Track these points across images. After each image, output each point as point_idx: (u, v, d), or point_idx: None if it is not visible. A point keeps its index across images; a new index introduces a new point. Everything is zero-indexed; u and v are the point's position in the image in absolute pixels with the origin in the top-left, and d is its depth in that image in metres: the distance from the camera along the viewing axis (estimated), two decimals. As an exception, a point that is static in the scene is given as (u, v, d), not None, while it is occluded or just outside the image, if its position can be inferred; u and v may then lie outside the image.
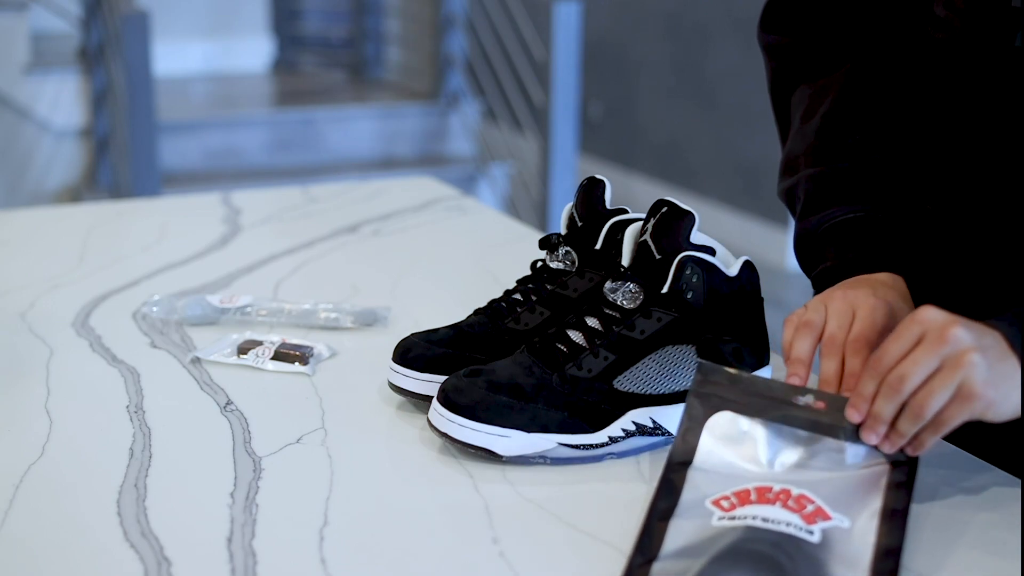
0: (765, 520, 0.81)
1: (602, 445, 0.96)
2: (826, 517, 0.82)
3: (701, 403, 0.90)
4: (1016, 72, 0.93)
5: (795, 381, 0.89)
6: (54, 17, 4.56)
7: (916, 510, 0.86)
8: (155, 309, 1.27)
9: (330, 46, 5.53)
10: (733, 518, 0.82)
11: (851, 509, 0.83)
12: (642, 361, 0.96)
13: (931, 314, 0.83)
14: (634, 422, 0.97)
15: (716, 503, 0.83)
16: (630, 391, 0.96)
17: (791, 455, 0.87)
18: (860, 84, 1.07)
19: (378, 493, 0.91)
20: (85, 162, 4.30)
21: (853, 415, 0.85)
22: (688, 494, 0.85)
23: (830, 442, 0.86)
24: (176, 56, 5.01)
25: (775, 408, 0.88)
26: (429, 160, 4.56)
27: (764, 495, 0.83)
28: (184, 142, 4.22)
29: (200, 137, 4.28)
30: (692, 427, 0.89)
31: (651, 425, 0.97)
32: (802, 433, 0.87)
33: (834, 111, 1.07)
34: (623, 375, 0.96)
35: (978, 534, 0.85)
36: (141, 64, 3.46)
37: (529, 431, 0.94)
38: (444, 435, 0.95)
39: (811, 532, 0.80)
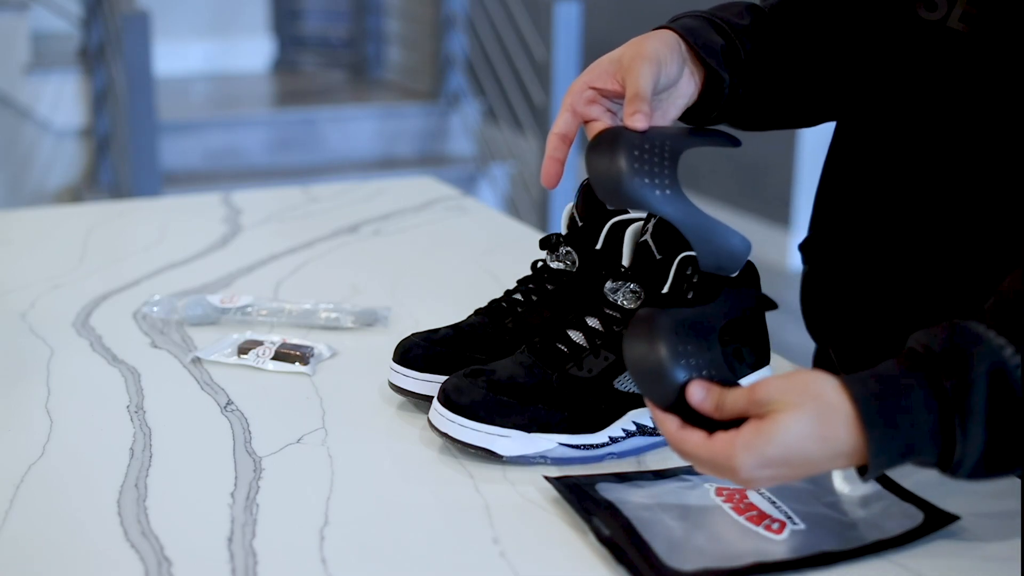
0: None
1: (602, 445, 0.96)
2: None
3: None
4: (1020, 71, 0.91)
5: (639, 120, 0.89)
6: (54, 17, 4.56)
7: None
8: (155, 309, 1.27)
9: (330, 46, 5.53)
10: None
11: None
12: (642, 361, 0.96)
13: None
14: (635, 422, 0.96)
15: None
16: (631, 391, 0.96)
17: None
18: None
19: (378, 493, 0.91)
20: (86, 162, 4.30)
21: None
22: None
23: None
24: (176, 56, 5.01)
25: None
26: (429, 160, 4.56)
27: None
28: (184, 142, 4.22)
29: (200, 137, 4.28)
30: None
31: (651, 425, 0.97)
32: None
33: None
34: (624, 375, 0.96)
35: (978, 534, 0.85)
36: (141, 64, 3.45)
37: (529, 431, 0.94)
38: (444, 435, 0.95)
39: None
